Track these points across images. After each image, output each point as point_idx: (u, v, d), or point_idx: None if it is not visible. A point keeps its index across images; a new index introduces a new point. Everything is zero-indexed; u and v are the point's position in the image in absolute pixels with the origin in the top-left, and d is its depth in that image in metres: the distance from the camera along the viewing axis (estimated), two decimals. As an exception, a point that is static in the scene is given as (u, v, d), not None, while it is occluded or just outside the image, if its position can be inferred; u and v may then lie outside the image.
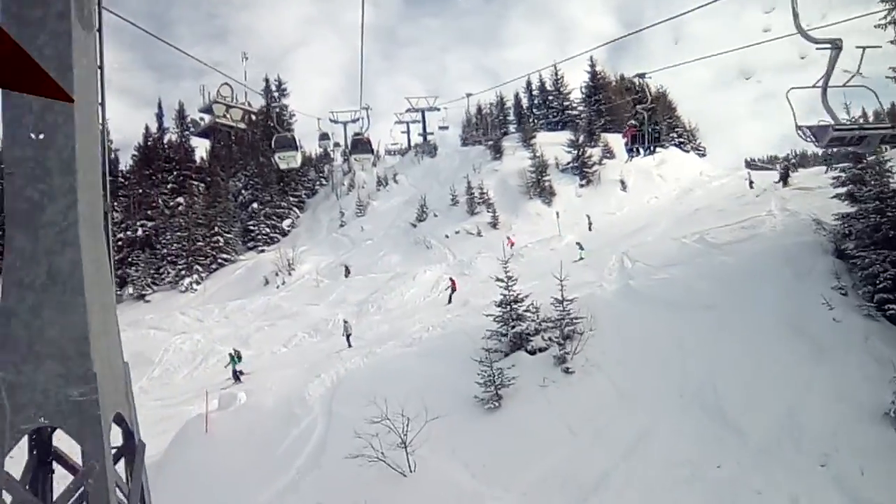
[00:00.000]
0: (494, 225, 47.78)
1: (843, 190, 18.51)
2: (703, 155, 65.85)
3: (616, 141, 55.27)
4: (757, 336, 14.79)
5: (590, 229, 42.47)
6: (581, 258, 33.48)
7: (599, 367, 14.45)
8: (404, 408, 12.35)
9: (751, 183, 42.43)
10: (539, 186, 50.25)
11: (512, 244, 43.78)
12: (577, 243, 35.21)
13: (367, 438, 12.00)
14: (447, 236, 48.02)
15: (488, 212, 48.94)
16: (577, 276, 17.53)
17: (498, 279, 15.93)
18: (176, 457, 15.80)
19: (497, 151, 57.66)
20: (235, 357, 28.31)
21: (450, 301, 31.62)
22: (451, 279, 33.82)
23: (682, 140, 63.04)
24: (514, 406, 13.80)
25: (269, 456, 14.57)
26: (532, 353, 15.35)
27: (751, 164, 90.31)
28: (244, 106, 75.66)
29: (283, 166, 28.10)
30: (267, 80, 75.64)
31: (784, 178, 32.23)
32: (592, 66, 63.80)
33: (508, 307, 15.45)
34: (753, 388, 13.16)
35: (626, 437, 12.65)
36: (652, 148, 49.66)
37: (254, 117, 74.80)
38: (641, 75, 56.67)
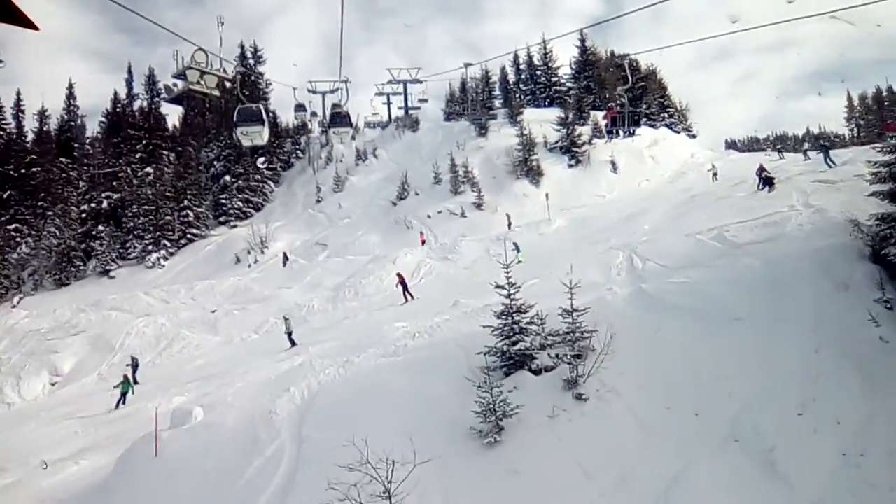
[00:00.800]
0: (479, 205, 45.54)
1: (884, 187, 16.43)
2: (694, 136, 63.93)
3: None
4: (796, 359, 12.75)
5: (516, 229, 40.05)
6: (519, 261, 31.66)
7: (617, 392, 12.39)
8: (388, 443, 10.21)
9: (714, 175, 40.96)
10: (526, 166, 48.01)
11: (423, 241, 42.11)
12: (514, 243, 32.91)
13: (342, 489, 9.79)
14: (429, 216, 45.72)
15: (473, 191, 46.66)
16: (581, 275, 15.48)
17: (497, 286, 13.63)
18: (119, 485, 13.56)
19: (482, 128, 55.25)
20: (129, 381, 25.12)
21: (405, 300, 29.66)
22: (398, 275, 31.12)
23: (673, 120, 60.99)
24: (517, 440, 11.71)
25: (227, 488, 12.40)
26: (537, 372, 13.16)
27: (731, 146, 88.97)
28: (219, 73, 72.46)
29: (245, 143, 25.31)
30: (242, 47, 72.44)
31: (769, 183, 29.02)
32: (582, 41, 61.48)
33: (510, 318, 13.24)
34: (800, 427, 11.17)
35: (654, 483, 10.65)
36: (631, 130, 48.36)
37: (228, 84, 71.58)
38: (623, 57, 55.00)
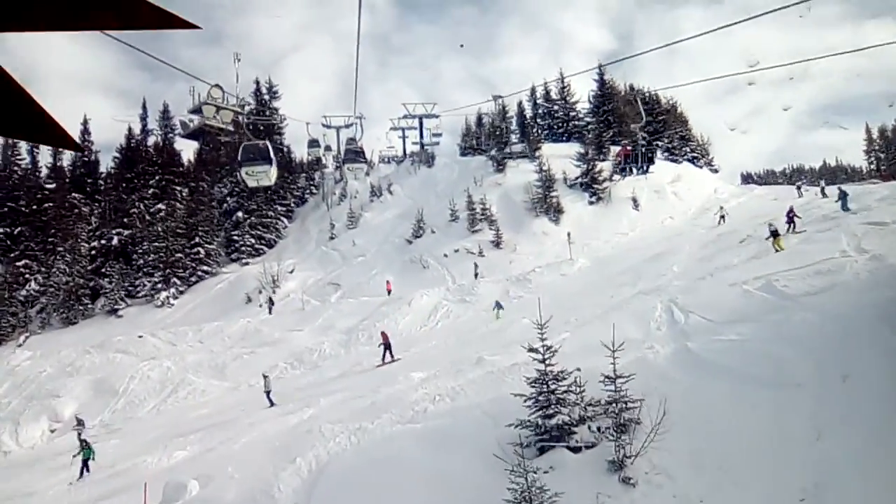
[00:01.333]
0: (497, 244, 44.09)
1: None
2: (716, 171, 62.44)
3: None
4: (874, 436, 11.13)
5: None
6: (498, 315, 30.59)
7: (669, 475, 10.78)
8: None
9: (722, 218, 39.37)
10: (546, 203, 46.61)
11: (389, 290, 40.26)
12: (497, 302, 31.82)
13: None
14: (446, 255, 44.29)
15: (491, 229, 45.26)
16: (617, 328, 14.00)
17: (531, 349, 12.08)
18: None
19: (500, 163, 53.99)
20: (87, 448, 21.40)
21: (384, 361, 27.25)
22: (382, 334, 28.64)
23: (695, 154, 59.55)
24: (556, 536, 10.13)
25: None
26: (576, 450, 11.53)
27: (747, 179, 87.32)
28: (235, 108, 71.98)
29: (251, 184, 23.25)
30: (257, 82, 72.02)
31: (792, 221, 27.29)
32: (601, 75, 60.31)
33: (545, 386, 11.67)
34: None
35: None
36: (645, 167, 47.04)
37: (244, 120, 70.98)
38: (637, 93, 53.87)
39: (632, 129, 50.55)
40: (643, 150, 49.57)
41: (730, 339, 14.61)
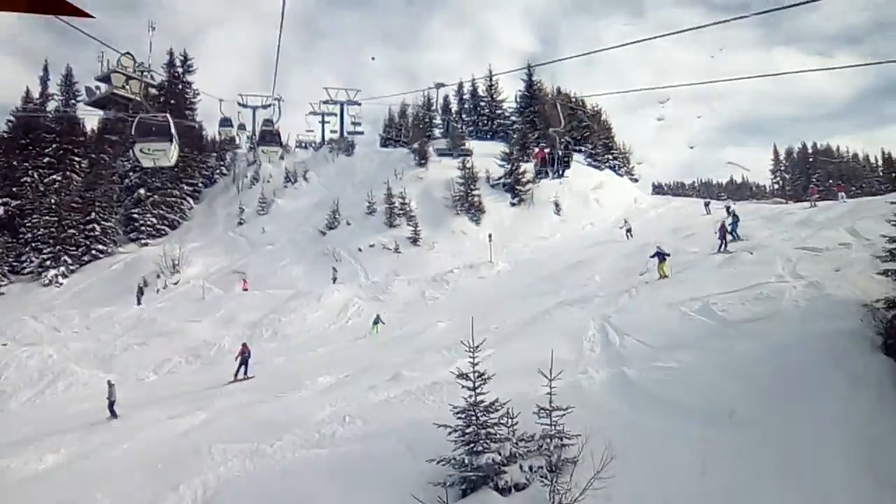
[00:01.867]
0: (415, 241, 42.51)
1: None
2: (636, 180, 62.68)
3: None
4: (825, 484, 10.17)
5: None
6: (376, 332, 28.49)
7: (609, 524, 9.54)
8: None
9: (628, 232, 38.98)
10: (467, 201, 45.33)
11: (245, 288, 38.69)
12: (377, 316, 29.55)
13: None
14: (360, 249, 42.43)
15: (409, 225, 43.65)
16: (548, 346, 12.73)
17: (460, 375, 10.54)
18: None
19: (422, 157, 52.35)
20: None
21: (236, 376, 24.05)
22: (243, 345, 25.20)
23: (617, 162, 59.52)
24: None
25: None
26: (505, 490, 10.11)
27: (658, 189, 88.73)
28: (146, 79, 67.77)
29: (146, 163, 21.33)
30: (171, 54, 67.87)
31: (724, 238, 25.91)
32: (530, 75, 59.51)
33: (474, 417, 10.16)
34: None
35: None
36: (560, 171, 46.58)
37: (153, 91, 66.86)
38: (557, 98, 53.49)
39: (550, 132, 49.95)
40: (560, 154, 48.93)
41: (669, 366, 13.51)
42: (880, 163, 77.13)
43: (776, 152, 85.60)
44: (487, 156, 50.15)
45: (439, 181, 47.97)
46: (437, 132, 61.31)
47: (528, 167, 49.12)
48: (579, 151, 58.76)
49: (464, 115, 63.14)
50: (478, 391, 10.36)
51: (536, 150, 50.29)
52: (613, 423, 11.60)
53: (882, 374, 12.93)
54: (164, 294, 40.76)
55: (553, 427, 10.46)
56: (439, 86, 55.78)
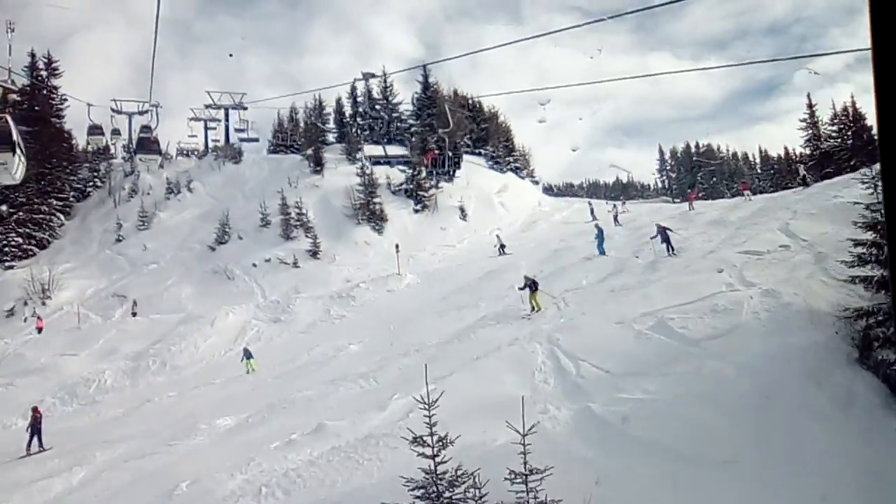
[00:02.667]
0: (315, 254, 39.73)
1: (867, 272, 13.06)
2: (537, 182, 61.86)
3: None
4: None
5: None
6: (251, 368, 25.48)
7: None
8: None
9: (502, 248, 37.03)
10: (368, 209, 42.92)
11: (40, 328, 34.46)
12: (245, 350, 26.53)
13: None
14: (255, 265, 39.23)
15: (307, 237, 40.78)
16: (493, 380, 10.81)
17: (415, 439, 8.36)
18: None
19: (317, 164, 49.46)
20: None
21: (28, 449, 19.59)
22: (34, 409, 20.56)
23: (518, 165, 58.48)
24: None
25: None
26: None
27: (548, 190, 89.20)
28: (6, 84, 61.49)
29: None
30: (33, 55, 61.55)
31: (668, 241, 24.39)
32: (425, 76, 57.63)
33: (435, 495, 8.01)
34: None
35: None
36: (451, 172, 45.39)
37: (14, 97, 60.82)
38: (442, 101, 52.19)
39: (439, 133, 49.08)
40: (449, 154, 47.80)
41: (636, 397, 11.80)
42: (758, 160, 79.48)
43: (661, 152, 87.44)
44: (386, 161, 47.91)
45: (337, 189, 45.32)
46: (330, 137, 58.51)
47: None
48: (479, 154, 57.50)
49: (358, 119, 60.57)
50: (438, 459, 8.22)
51: (427, 151, 49.45)
52: (587, 476, 9.70)
53: (867, 391, 11.70)
54: (32, 325, 36.34)
55: (532, 497, 8.44)
56: (368, 76, 52.32)
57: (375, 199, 43.40)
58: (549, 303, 21.12)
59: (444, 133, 46.52)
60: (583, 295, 21.33)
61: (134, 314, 35.13)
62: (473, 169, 51.28)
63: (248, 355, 25.82)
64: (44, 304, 39.12)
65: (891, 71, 1.71)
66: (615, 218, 37.43)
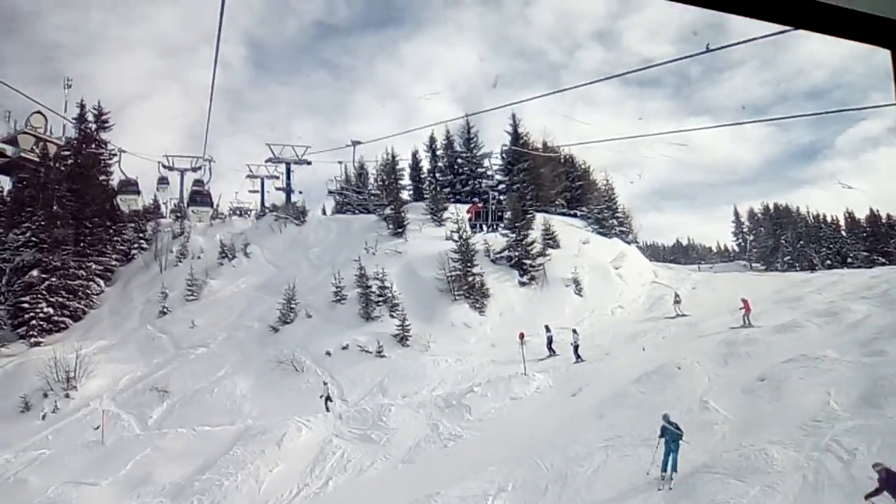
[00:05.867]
0: (403, 339, 31.45)
1: None
2: (641, 248, 53.09)
3: (558, 226, 41.61)
4: None
5: None
6: None
7: None
8: None
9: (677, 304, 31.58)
10: (466, 282, 34.74)
11: None
12: None
13: None
14: (329, 353, 31.13)
15: (393, 316, 32.72)
16: None
17: None
18: None
19: (398, 225, 41.60)
20: None
21: None
22: None
23: (623, 229, 50.06)
24: None
25: None
26: None
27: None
28: (59, 141, 56.12)
29: (124, 208, 28.05)
30: (82, 106, 55.75)
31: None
32: (515, 126, 50.06)
33: None
34: None
35: None
36: (495, 226, 38.77)
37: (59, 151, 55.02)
38: (486, 155, 46.74)
39: (483, 187, 46.43)
40: (493, 208, 43.94)
41: None
42: (842, 223, 69.09)
43: (737, 213, 78.56)
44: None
45: (424, 257, 37.29)
46: (405, 195, 50.93)
47: (536, 235, 39.20)
48: (574, 216, 49.46)
49: (437, 174, 52.93)
50: None
51: (469, 205, 45.22)
52: None
53: None
54: (49, 425, 28.68)
55: None
56: (355, 144, 46.49)
57: (474, 270, 35.23)
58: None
59: (489, 187, 45.54)
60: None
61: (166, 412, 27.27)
62: (573, 233, 43.20)
63: None
64: (67, 395, 31.54)
65: None
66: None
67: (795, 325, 25.38)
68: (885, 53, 2.13)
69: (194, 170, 56.70)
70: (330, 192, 56.28)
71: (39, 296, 42.30)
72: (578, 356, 27.57)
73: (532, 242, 37.77)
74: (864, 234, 61.86)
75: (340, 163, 56.13)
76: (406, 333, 31.58)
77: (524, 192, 43.41)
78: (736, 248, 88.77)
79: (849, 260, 53.93)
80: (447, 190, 50.16)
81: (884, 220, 56.30)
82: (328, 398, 26.15)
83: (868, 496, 12.97)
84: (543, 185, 48.64)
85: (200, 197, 41.07)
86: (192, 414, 27.93)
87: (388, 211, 43.17)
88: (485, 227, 43.09)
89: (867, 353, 20.07)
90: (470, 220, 42.53)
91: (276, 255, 45.45)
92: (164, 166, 56.95)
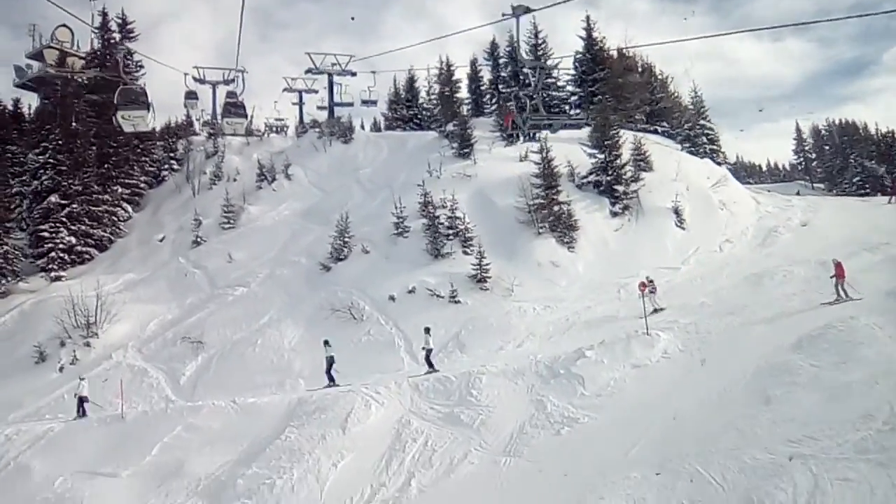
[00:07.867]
0: (481, 281, 26.32)
1: None
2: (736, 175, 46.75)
3: (649, 145, 35.46)
4: None
5: None
6: None
7: None
8: None
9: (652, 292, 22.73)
10: (551, 213, 29.16)
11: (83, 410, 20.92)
12: None
13: None
14: (392, 298, 26.08)
15: (467, 253, 27.52)
16: None
17: None
18: None
19: (464, 144, 35.74)
20: None
21: None
22: None
23: (714, 149, 43.65)
24: None
25: None
26: None
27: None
28: (67, 49, 51.49)
29: (127, 128, 26.77)
30: (104, 14, 50.32)
31: None
32: (588, 31, 43.35)
33: None
34: None
35: None
36: (531, 134, 33.67)
37: (81, 62, 50.29)
38: (523, 66, 41.85)
39: (520, 94, 38.49)
40: (526, 116, 36.81)
41: None
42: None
43: (798, 129, 71.59)
44: (559, 141, 33.69)
45: (497, 180, 31.77)
46: (464, 109, 44.92)
47: (627, 156, 33.23)
48: (655, 132, 43.23)
49: (500, 86, 46.61)
50: None
51: (507, 112, 38.26)
52: None
53: None
54: (66, 380, 24.21)
55: None
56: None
57: (559, 198, 29.55)
58: None
59: (526, 94, 35.39)
60: None
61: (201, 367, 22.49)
62: (665, 153, 37.10)
63: None
64: (87, 344, 27.09)
65: None
66: None
67: None
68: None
69: (226, 83, 52.93)
70: (364, 102, 51.11)
71: (59, 223, 37.73)
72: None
73: (625, 165, 31.86)
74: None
75: (374, 72, 50.98)
76: (484, 274, 26.31)
77: (606, 105, 37.03)
78: (788, 168, 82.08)
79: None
80: (510, 105, 44.10)
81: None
82: (83, 399, 20.32)
83: None
84: (622, 96, 42.24)
85: (234, 107, 37.99)
86: (231, 371, 23.36)
87: (450, 127, 37.30)
88: (521, 136, 37.28)
89: None
90: (505, 128, 37.02)
91: (320, 177, 40.15)
92: (195, 78, 53.44)
